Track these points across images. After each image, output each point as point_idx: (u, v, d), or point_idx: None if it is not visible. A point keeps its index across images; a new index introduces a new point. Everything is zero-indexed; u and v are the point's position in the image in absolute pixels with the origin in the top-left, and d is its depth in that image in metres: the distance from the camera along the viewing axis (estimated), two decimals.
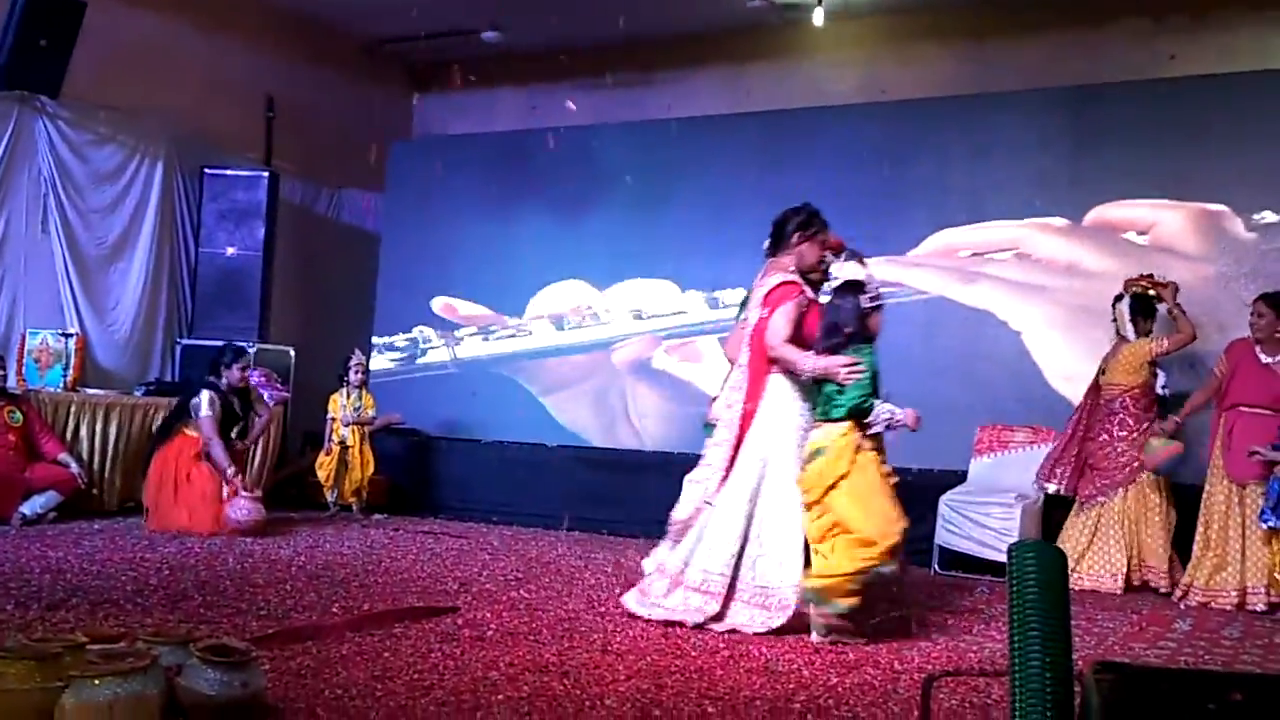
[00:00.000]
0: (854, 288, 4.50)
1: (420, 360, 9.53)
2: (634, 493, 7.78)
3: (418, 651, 3.77)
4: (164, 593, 4.63)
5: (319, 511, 7.88)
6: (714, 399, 5.00)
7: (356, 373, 8.08)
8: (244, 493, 6.74)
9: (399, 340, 9.58)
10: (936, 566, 6.50)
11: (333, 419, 8.00)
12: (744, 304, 4.94)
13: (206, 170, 8.66)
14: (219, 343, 7.59)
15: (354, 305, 9.59)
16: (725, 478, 4.63)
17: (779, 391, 4.60)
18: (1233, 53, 7.46)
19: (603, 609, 4.78)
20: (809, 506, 4.39)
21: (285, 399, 7.93)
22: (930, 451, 7.12)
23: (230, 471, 6.73)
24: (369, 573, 5.46)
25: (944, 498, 6.54)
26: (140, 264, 8.38)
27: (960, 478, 6.85)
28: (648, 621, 4.52)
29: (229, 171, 8.72)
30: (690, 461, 7.34)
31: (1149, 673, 1.67)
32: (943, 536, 6.49)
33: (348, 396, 8.04)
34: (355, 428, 7.96)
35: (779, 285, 4.63)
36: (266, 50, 9.25)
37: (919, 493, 6.86)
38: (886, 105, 8.24)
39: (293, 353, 8.75)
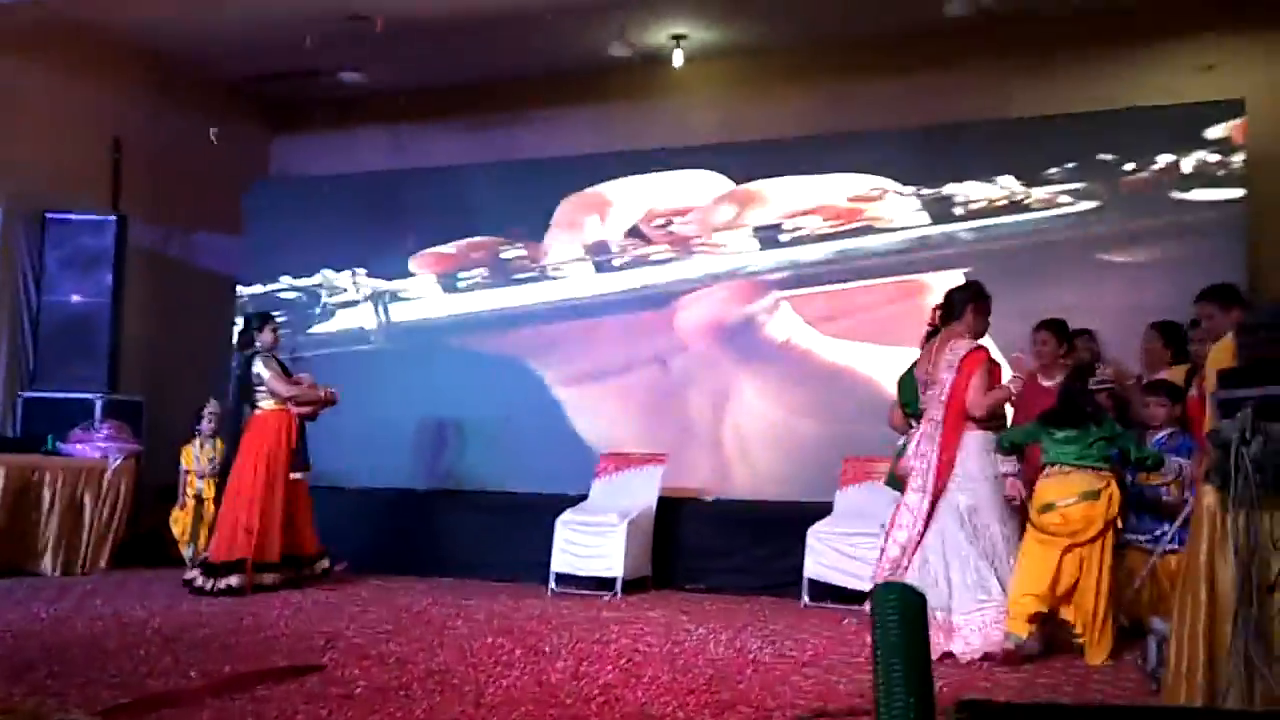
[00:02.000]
0: (1083, 373, 5.35)
1: None
2: (507, 537, 7.72)
3: (283, 714, 3.64)
4: (7, 663, 4.37)
5: (176, 568, 7.56)
6: (900, 454, 5.43)
7: (210, 422, 7.83)
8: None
9: None
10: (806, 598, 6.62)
11: (187, 471, 7.73)
12: (915, 365, 5.54)
13: (49, 215, 8.29)
14: (65, 395, 7.24)
15: (209, 352, 9.25)
16: (927, 524, 5.06)
17: (975, 445, 5.10)
18: (1072, 94, 7.88)
19: (474, 659, 4.70)
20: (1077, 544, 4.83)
21: (134, 453, 7.66)
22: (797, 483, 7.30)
23: (324, 392, 7.16)
24: (230, 632, 5.26)
25: (811, 530, 6.68)
26: None
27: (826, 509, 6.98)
28: (521, 672, 4.46)
29: (73, 216, 8.36)
30: (566, 502, 7.37)
31: (1005, 709, 1.73)
32: (811, 569, 6.61)
33: (201, 447, 7.78)
34: (210, 480, 7.69)
35: (970, 353, 5.15)
36: (113, 90, 8.93)
37: (788, 526, 6.99)
38: (744, 144, 8.43)
39: (144, 402, 8.42)
